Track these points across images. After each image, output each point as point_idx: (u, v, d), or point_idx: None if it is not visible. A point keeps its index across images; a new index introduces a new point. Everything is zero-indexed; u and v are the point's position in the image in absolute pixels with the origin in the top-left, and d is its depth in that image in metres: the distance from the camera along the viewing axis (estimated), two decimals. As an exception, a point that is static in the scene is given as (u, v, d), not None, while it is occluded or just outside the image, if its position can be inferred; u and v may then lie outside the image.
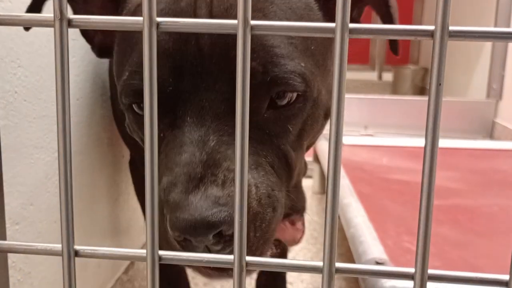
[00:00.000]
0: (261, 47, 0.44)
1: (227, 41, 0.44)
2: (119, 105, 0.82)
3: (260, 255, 0.45)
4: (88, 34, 0.57)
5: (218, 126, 0.44)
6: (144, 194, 0.94)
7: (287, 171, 0.50)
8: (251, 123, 0.45)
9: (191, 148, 0.44)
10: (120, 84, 0.48)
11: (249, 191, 0.44)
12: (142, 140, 0.55)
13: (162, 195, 0.43)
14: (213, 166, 0.42)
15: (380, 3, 0.54)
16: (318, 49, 0.50)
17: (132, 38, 0.49)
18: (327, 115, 0.55)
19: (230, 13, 0.45)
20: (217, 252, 0.42)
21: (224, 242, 0.41)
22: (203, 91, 0.45)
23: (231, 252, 0.34)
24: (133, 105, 0.49)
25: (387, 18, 0.55)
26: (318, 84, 0.50)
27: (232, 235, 0.40)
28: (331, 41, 0.54)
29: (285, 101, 0.47)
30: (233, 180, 0.38)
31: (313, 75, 0.48)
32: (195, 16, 0.45)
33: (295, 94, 0.47)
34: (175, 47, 0.44)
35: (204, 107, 0.45)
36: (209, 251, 0.42)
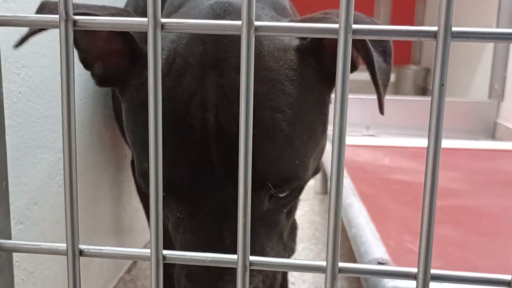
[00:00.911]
0: (263, 162, 0.49)
1: (235, 150, 0.48)
2: (120, 104, 0.82)
3: None
4: (86, 61, 0.55)
5: (230, 224, 0.50)
6: (145, 193, 0.93)
7: (281, 235, 0.57)
8: (254, 213, 0.50)
9: (208, 244, 0.50)
10: (140, 170, 0.53)
11: None
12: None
13: (186, 282, 0.51)
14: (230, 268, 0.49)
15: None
16: (313, 125, 0.54)
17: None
18: (315, 172, 0.59)
19: (236, 122, 0.49)
20: None
21: None
22: (217, 191, 0.50)
23: None
24: None
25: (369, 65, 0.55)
26: (312, 166, 0.55)
27: None
28: (325, 103, 0.56)
29: (284, 194, 0.53)
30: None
31: (307, 164, 0.53)
32: (203, 118, 0.49)
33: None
34: (192, 155, 0.49)
35: (218, 204, 0.50)
36: None
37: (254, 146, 0.47)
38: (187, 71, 0.50)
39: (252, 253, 0.50)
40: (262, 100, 0.49)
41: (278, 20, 0.57)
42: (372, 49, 0.50)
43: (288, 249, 0.60)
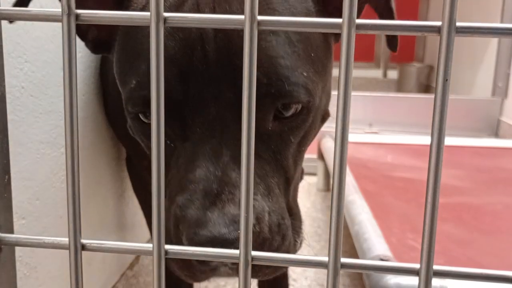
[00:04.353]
0: (265, 58, 0.45)
1: (233, 48, 0.44)
2: (112, 104, 0.81)
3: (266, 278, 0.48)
4: (81, 30, 0.54)
5: (228, 138, 0.45)
6: (141, 190, 0.93)
7: (287, 187, 0.51)
8: (257, 135, 0.45)
9: (204, 163, 0.45)
10: (127, 92, 0.48)
11: (262, 217, 0.45)
12: (149, 148, 0.54)
13: (178, 212, 0.44)
14: (229, 184, 0.43)
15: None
16: (318, 56, 0.51)
17: (137, 40, 0.49)
18: (324, 118, 0.56)
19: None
20: (227, 274, 0.45)
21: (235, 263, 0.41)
22: (211, 99, 0.45)
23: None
24: (140, 115, 0.49)
25: (386, 13, 0.54)
26: (319, 92, 0.51)
27: None
28: (329, 45, 0.54)
29: (290, 113, 0.48)
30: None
31: (314, 84, 0.49)
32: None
33: (300, 106, 0.48)
34: (181, 54, 0.45)
35: (212, 116, 0.45)
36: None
37: (259, 42, 0.43)
38: None
39: (255, 176, 0.45)
40: (269, 2, 0.47)
41: None
42: None
43: (297, 217, 0.53)
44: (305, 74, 0.47)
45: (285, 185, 0.50)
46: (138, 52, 0.48)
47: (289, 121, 0.48)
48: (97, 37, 0.55)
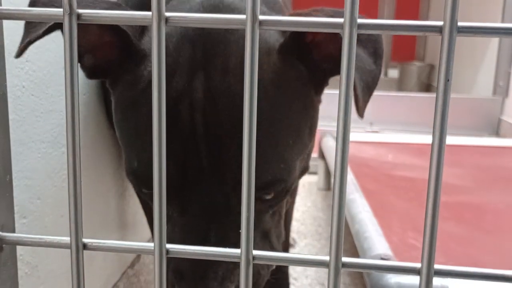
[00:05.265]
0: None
1: (223, 156, 0.49)
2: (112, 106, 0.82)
3: None
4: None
5: (216, 225, 0.52)
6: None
7: (267, 236, 0.57)
8: (238, 215, 0.52)
9: (194, 243, 0.51)
10: (128, 167, 0.54)
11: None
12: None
13: (173, 278, 0.53)
14: (215, 265, 0.51)
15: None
16: (299, 137, 0.53)
17: (139, 115, 0.51)
18: (302, 173, 0.59)
19: (222, 123, 0.49)
20: None
21: None
22: (204, 189, 0.51)
23: None
24: (142, 189, 0.55)
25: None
26: (297, 170, 0.55)
27: None
28: (314, 112, 0.56)
29: (269, 197, 0.53)
30: (230, 279, 0.51)
31: (292, 169, 0.53)
32: (192, 118, 0.49)
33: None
34: (180, 153, 0.50)
35: (204, 206, 0.52)
36: None
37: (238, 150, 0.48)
38: (177, 71, 0.50)
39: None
40: None
41: (268, 15, 0.56)
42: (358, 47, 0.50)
43: (279, 238, 0.60)
44: (282, 166, 0.51)
45: (267, 235, 0.57)
46: (139, 125, 0.52)
47: (268, 201, 0.54)
48: (95, 65, 0.55)
